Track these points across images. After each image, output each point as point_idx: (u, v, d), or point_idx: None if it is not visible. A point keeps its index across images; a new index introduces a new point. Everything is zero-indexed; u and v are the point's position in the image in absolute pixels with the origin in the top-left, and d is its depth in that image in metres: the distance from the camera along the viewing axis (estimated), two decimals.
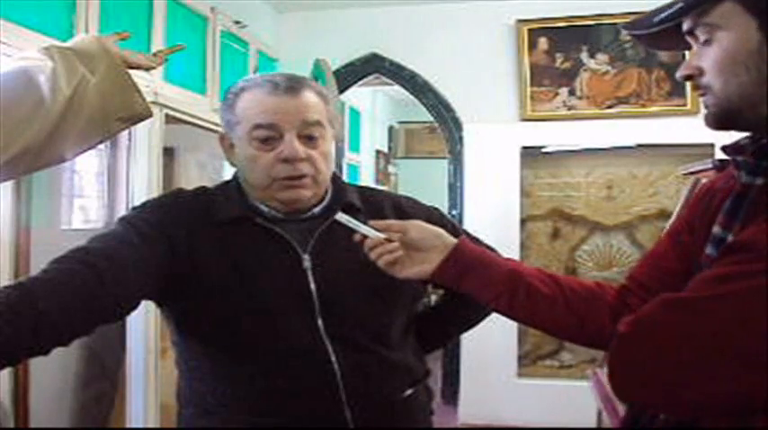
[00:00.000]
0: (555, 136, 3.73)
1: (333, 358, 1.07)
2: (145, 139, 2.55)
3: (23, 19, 2.01)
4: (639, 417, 0.86)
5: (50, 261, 0.95)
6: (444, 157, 4.14)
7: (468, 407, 3.78)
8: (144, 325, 2.48)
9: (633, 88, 3.60)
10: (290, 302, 1.08)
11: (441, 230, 1.04)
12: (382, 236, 1.01)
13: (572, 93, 3.67)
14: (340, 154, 4.67)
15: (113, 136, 1.27)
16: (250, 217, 1.12)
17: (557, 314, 0.97)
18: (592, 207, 3.86)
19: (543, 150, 3.83)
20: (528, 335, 3.83)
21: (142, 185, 2.55)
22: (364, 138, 5.80)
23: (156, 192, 2.52)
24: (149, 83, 2.46)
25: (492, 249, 1.16)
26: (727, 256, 0.74)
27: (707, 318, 0.70)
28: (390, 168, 6.85)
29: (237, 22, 3.39)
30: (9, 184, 2.02)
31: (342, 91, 3.91)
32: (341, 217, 1.06)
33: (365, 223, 1.04)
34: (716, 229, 0.83)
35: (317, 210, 1.16)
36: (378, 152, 6.33)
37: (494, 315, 1.29)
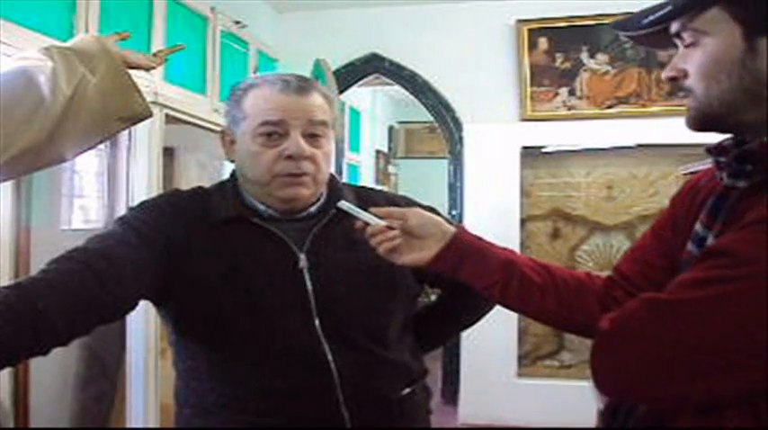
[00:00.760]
0: (555, 136, 3.73)
1: (330, 357, 1.07)
2: (145, 139, 2.55)
3: (23, 19, 2.02)
4: (619, 408, 0.89)
5: (49, 261, 0.95)
6: (444, 157, 4.14)
7: (468, 407, 3.78)
8: (144, 325, 2.48)
9: (633, 88, 3.60)
10: (286, 302, 1.08)
11: (439, 219, 1.06)
12: (383, 223, 1.03)
13: (572, 93, 3.67)
14: (340, 154, 4.67)
15: (113, 136, 1.27)
16: (247, 216, 1.12)
17: (547, 302, 0.99)
18: (592, 207, 3.86)
19: (543, 150, 3.83)
20: (528, 335, 3.84)
21: (142, 185, 2.55)
22: (364, 138, 5.80)
23: (155, 192, 2.52)
24: (149, 83, 2.46)
25: None
26: (706, 260, 0.76)
27: (685, 320, 0.73)
28: (390, 168, 6.85)
29: (237, 22, 3.39)
30: (9, 184, 2.02)
31: (342, 91, 3.91)
32: (343, 204, 1.08)
33: (366, 210, 1.05)
34: (697, 227, 0.86)
35: (313, 209, 1.16)
36: (378, 152, 6.33)
37: (493, 315, 1.29)
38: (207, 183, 1.25)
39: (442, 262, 1.02)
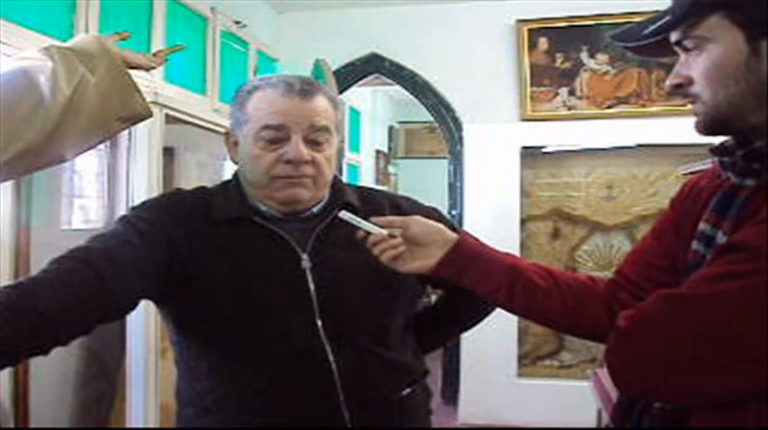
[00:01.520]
0: (555, 136, 3.73)
1: (331, 358, 1.07)
2: (145, 139, 2.55)
3: (23, 19, 2.01)
4: (634, 405, 0.89)
5: (50, 261, 0.95)
6: (444, 157, 4.14)
7: (468, 407, 3.78)
8: (144, 325, 2.48)
9: (633, 88, 3.60)
10: (288, 302, 1.08)
11: (441, 226, 1.06)
12: (384, 232, 1.02)
13: (572, 93, 3.67)
14: (340, 154, 4.67)
15: (113, 136, 1.27)
16: (249, 216, 1.12)
17: (552, 306, 0.99)
18: (592, 207, 3.86)
19: (543, 150, 3.83)
20: (528, 335, 3.84)
21: (142, 185, 2.55)
22: (364, 138, 5.80)
23: (155, 191, 2.51)
24: (149, 83, 2.46)
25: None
26: (725, 255, 0.76)
27: (705, 315, 0.74)
28: (390, 168, 6.85)
29: (237, 22, 3.39)
30: (9, 184, 2.02)
31: (342, 91, 3.91)
32: (344, 214, 1.07)
33: (367, 220, 1.05)
34: (703, 226, 0.87)
35: (315, 209, 1.16)
36: (378, 152, 6.32)
37: (494, 315, 1.29)
38: (207, 183, 1.25)
39: (446, 268, 1.02)
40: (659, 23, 0.85)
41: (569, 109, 3.68)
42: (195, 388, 1.12)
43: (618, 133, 3.61)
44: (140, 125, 1.27)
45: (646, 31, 0.86)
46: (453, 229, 1.17)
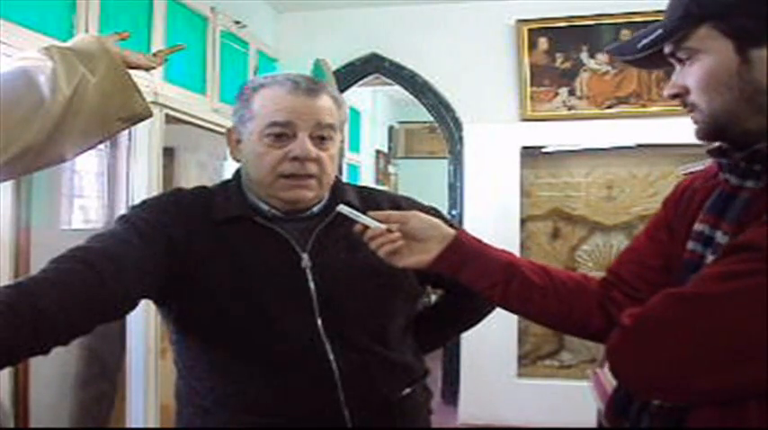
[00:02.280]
0: (555, 136, 3.73)
1: (331, 357, 1.07)
2: (145, 139, 2.55)
3: (23, 19, 2.01)
4: (630, 404, 0.89)
5: (50, 260, 0.95)
6: (444, 157, 4.14)
7: (468, 407, 3.78)
8: (144, 325, 2.48)
9: (633, 88, 3.60)
10: (289, 301, 1.08)
11: (439, 221, 1.06)
12: (383, 226, 1.03)
13: (572, 93, 3.67)
14: (340, 154, 4.66)
15: (113, 136, 1.27)
16: (249, 216, 1.12)
17: (548, 304, 1.00)
18: (592, 207, 3.86)
19: (543, 150, 3.83)
20: (528, 335, 3.84)
21: (142, 185, 2.55)
22: (364, 138, 5.80)
23: (155, 192, 2.51)
24: (149, 83, 2.46)
25: None
26: (732, 255, 0.77)
27: (712, 313, 0.74)
28: (390, 168, 6.85)
29: (237, 22, 3.39)
30: (9, 184, 2.02)
31: (342, 91, 3.90)
32: (342, 208, 1.07)
33: (365, 214, 1.05)
34: (700, 227, 0.88)
35: (316, 209, 1.16)
36: (378, 152, 6.32)
37: (493, 315, 1.29)
38: (207, 183, 1.25)
39: (443, 264, 1.02)
40: (651, 37, 0.87)
41: (569, 109, 3.68)
42: (195, 388, 1.12)
43: (618, 133, 3.61)
44: (140, 125, 1.27)
45: (639, 45, 0.89)
46: (453, 229, 1.18)
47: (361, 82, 4.09)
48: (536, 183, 3.92)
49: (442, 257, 1.02)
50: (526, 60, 3.68)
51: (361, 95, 5.41)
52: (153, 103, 2.41)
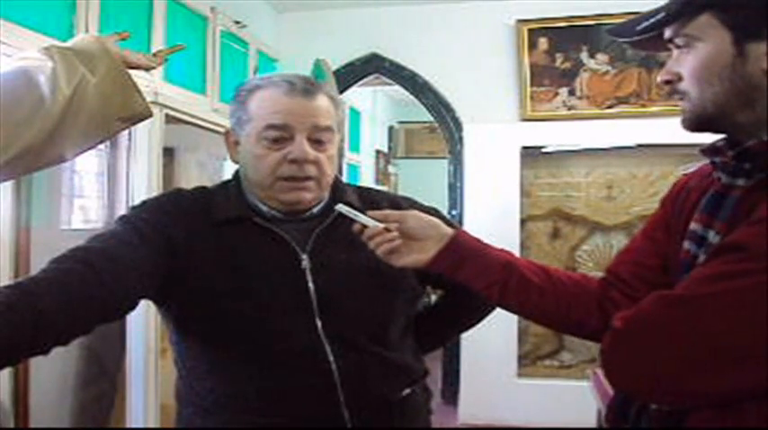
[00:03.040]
0: (555, 136, 3.73)
1: (331, 358, 1.07)
2: (145, 139, 2.55)
3: (23, 19, 2.01)
4: (630, 406, 0.89)
5: (50, 260, 0.95)
6: (444, 157, 4.14)
7: (468, 407, 3.78)
8: (144, 325, 2.48)
9: (633, 88, 3.60)
10: (288, 302, 1.08)
11: (437, 221, 1.06)
12: (381, 225, 1.03)
13: (572, 93, 3.67)
14: (340, 154, 4.66)
15: (113, 136, 1.27)
16: (249, 217, 1.12)
17: (546, 303, 1.00)
18: (592, 207, 3.86)
19: (543, 150, 3.83)
20: (528, 335, 3.84)
21: (142, 185, 2.55)
22: (364, 138, 5.80)
23: (155, 192, 2.51)
24: (149, 83, 2.46)
25: None
26: (721, 255, 0.77)
27: (702, 315, 0.74)
28: (390, 168, 6.85)
29: (237, 22, 3.39)
30: (9, 184, 2.02)
31: (342, 91, 3.91)
32: (341, 207, 1.07)
33: (364, 213, 1.05)
34: (694, 226, 0.88)
35: (315, 210, 1.16)
36: (378, 152, 6.33)
37: (493, 315, 1.29)
38: (207, 183, 1.24)
39: (441, 263, 1.02)
40: (653, 20, 0.87)
41: (569, 109, 3.68)
42: (195, 388, 1.12)
43: (618, 133, 3.61)
44: (140, 125, 1.27)
45: (639, 27, 0.88)
46: (452, 228, 1.17)
47: (361, 82, 4.09)
48: (536, 183, 3.92)
49: (439, 256, 1.02)
50: (526, 60, 3.69)
51: (361, 95, 5.41)
52: (153, 102, 2.40)
